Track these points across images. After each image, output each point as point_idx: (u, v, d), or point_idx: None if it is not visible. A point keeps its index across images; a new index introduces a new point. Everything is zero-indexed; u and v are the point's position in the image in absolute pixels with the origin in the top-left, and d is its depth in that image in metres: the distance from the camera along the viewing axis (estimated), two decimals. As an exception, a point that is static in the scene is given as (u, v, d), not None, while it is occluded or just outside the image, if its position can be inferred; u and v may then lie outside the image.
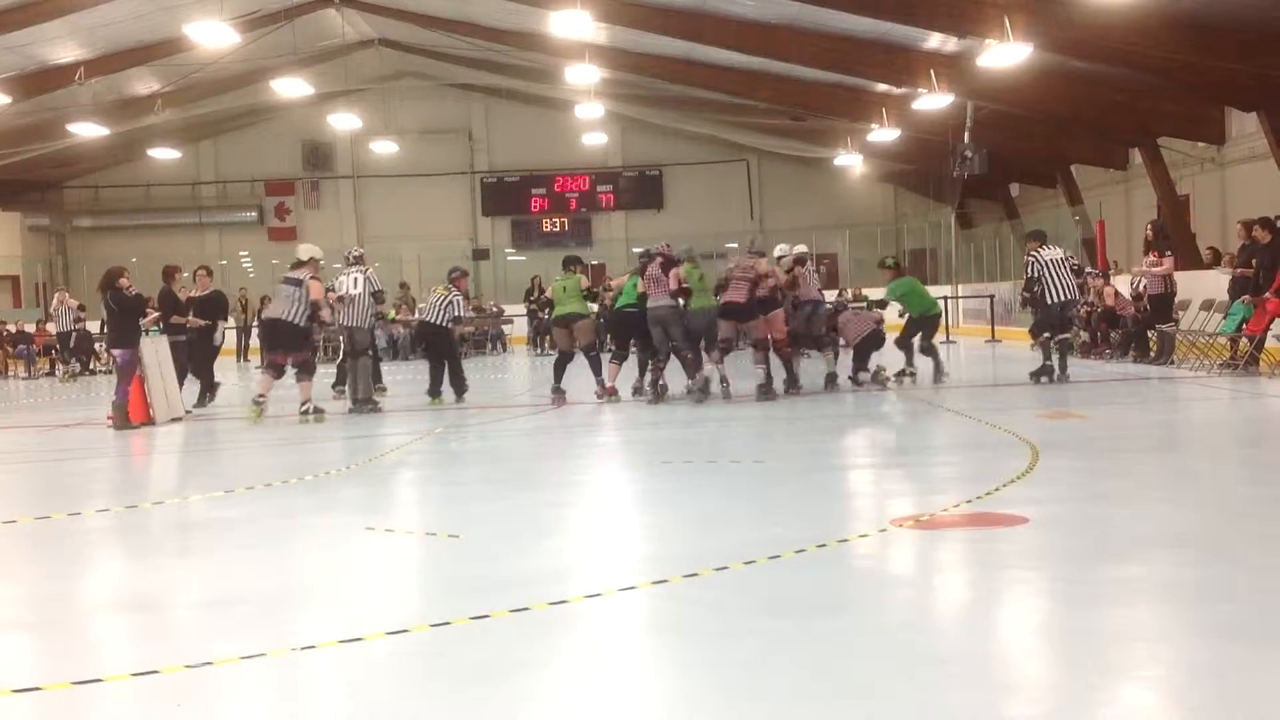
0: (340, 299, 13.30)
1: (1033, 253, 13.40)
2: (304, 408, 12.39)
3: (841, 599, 4.67)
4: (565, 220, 36.07)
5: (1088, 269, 19.25)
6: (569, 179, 35.94)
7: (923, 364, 13.96)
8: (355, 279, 13.36)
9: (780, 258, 13.79)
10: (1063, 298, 13.18)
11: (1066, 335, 13.75)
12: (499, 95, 33.95)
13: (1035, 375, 13.39)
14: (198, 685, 3.84)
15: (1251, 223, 14.18)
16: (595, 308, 14.63)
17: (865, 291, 29.29)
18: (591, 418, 12.23)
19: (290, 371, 13.02)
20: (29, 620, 4.93)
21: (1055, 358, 13.33)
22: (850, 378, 13.56)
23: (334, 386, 15.29)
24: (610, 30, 22.71)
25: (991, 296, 24.96)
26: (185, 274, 16.08)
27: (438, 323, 13.93)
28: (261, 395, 12.60)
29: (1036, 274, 13.26)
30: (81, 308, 23.41)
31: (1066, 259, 13.62)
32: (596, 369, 13.70)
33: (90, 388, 20.47)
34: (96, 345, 24.52)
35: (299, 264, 12.79)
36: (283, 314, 12.62)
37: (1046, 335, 13.37)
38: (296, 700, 3.79)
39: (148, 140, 30.06)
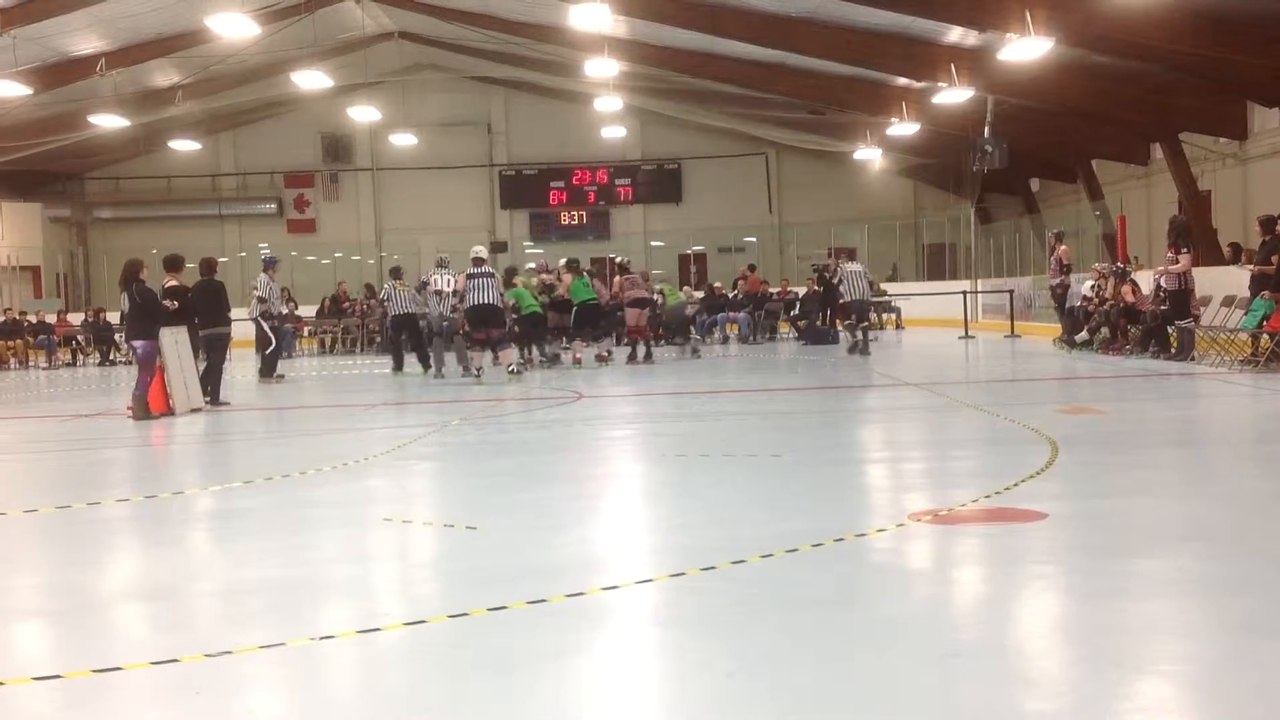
0: (437, 293, 17.11)
1: (839, 264, 20.66)
2: (510, 368, 15.96)
3: (859, 593, 4.66)
4: (584, 213, 36.05)
5: (1113, 265, 19.15)
6: (587, 172, 35.90)
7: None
8: (448, 279, 17.06)
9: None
10: (857, 296, 19.07)
11: (866, 323, 19.25)
12: (518, 88, 34.00)
13: (850, 350, 18.74)
14: (217, 674, 3.87)
15: (1272, 219, 14.10)
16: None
17: (884, 285, 29.37)
18: (607, 410, 12.25)
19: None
20: (49, 609, 4.96)
21: (859, 335, 18.81)
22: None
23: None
24: (629, 23, 22.71)
25: (1011, 292, 24.82)
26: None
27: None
28: (480, 367, 15.98)
29: (839, 279, 19.80)
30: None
31: (864, 273, 19.66)
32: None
33: (110, 378, 20.56)
34: (116, 336, 24.73)
35: (480, 260, 15.87)
36: (490, 300, 15.76)
37: (850, 322, 19.15)
38: (315, 690, 3.81)
39: (168, 132, 30.20)
